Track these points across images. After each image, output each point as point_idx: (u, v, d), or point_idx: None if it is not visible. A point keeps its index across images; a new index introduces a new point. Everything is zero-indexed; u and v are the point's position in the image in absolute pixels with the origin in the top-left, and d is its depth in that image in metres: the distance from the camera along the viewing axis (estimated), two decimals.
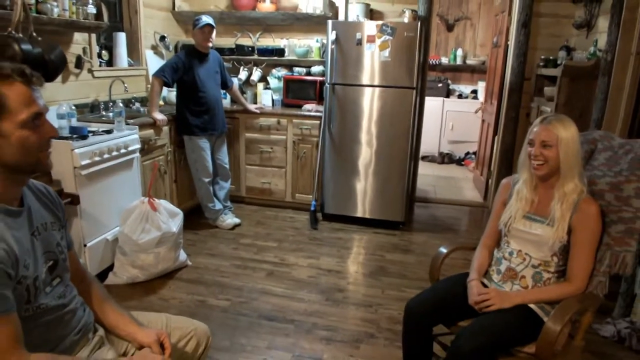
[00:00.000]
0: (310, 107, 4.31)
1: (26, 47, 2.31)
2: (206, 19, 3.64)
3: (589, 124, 3.46)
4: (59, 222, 1.36)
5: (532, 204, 1.84)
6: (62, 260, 1.31)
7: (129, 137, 3.16)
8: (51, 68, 2.52)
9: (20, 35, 2.31)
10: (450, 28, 7.16)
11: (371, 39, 3.83)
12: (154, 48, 4.48)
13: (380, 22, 3.82)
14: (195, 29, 3.66)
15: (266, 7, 4.53)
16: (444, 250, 2.10)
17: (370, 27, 3.83)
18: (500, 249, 1.94)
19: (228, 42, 4.75)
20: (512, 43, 4.48)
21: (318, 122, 4.16)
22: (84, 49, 3.56)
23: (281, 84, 4.58)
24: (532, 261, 1.80)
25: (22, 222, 1.19)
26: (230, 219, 4.01)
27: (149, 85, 4.35)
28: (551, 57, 4.14)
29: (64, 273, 1.32)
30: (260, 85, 4.68)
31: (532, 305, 1.73)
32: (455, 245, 2.15)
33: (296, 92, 4.49)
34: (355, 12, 4.25)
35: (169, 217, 3.10)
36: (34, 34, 2.45)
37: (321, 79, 4.34)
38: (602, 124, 3.34)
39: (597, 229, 1.73)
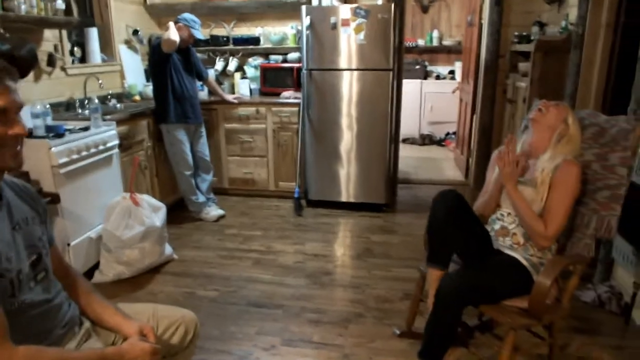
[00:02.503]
0: (288, 95, 4.30)
1: None
2: (200, 34, 3.76)
3: (563, 99, 3.51)
4: (39, 217, 1.36)
5: (521, 168, 1.95)
6: (45, 255, 1.31)
7: (107, 133, 3.13)
8: (22, 65, 2.46)
9: None
10: (425, 10, 7.17)
11: (346, 23, 3.83)
12: (127, 42, 4.41)
13: (354, 5, 3.82)
14: (182, 25, 3.61)
15: None
16: None
17: (344, 11, 3.82)
18: (494, 212, 2.06)
19: (202, 32, 4.69)
20: (485, 21, 4.52)
21: (297, 109, 4.16)
22: (55, 46, 3.49)
23: (258, 73, 4.56)
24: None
25: (2, 216, 1.19)
26: (214, 211, 4.01)
27: (124, 81, 4.31)
28: (524, 33, 4.18)
29: (47, 268, 1.32)
30: (237, 75, 4.65)
31: (522, 261, 1.85)
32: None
33: (273, 80, 4.47)
34: None
35: (152, 211, 3.09)
36: (2, 30, 2.40)
37: (298, 65, 4.33)
38: (575, 98, 3.40)
39: (573, 184, 1.82)
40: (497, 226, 2.02)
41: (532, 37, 4.08)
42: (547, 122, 1.93)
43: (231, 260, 3.26)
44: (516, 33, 4.29)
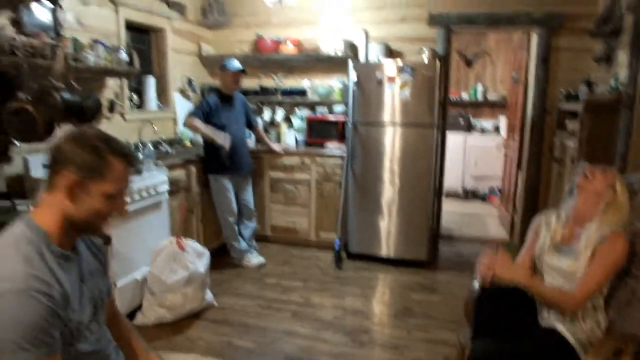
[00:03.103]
0: (333, 146, 4.38)
1: (66, 95, 2.46)
2: (237, 65, 3.79)
3: (613, 158, 3.42)
4: (102, 268, 1.43)
5: (562, 236, 1.91)
6: (101, 307, 1.37)
7: (158, 178, 3.26)
8: (88, 114, 2.67)
9: (61, 84, 2.45)
10: (469, 64, 7.24)
11: (391, 79, 3.91)
12: (182, 91, 4.65)
13: (400, 63, 3.91)
14: (224, 71, 3.80)
15: (288, 49, 4.69)
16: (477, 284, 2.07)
17: (389, 68, 3.92)
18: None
19: (252, 83, 4.91)
20: (531, 78, 4.52)
21: (341, 161, 4.22)
22: (116, 94, 3.72)
23: (304, 124, 4.68)
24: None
25: (73, 267, 1.26)
26: (255, 259, 4.05)
27: (177, 127, 4.51)
28: (572, 92, 4.15)
29: (102, 318, 1.37)
30: (284, 125, 4.79)
31: (570, 338, 1.76)
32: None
33: (319, 131, 4.57)
34: (375, 52, 4.36)
35: (196, 256, 3.16)
36: (73, 82, 2.60)
37: (343, 118, 4.43)
38: (627, 158, 3.31)
39: (615, 257, 1.75)
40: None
41: (580, 96, 4.04)
42: (593, 189, 1.87)
43: (269, 310, 3.26)
44: (562, 90, 4.25)
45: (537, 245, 1.99)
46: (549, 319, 1.87)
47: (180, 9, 4.45)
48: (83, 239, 1.37)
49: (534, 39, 4.46)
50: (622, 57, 3.58)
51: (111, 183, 1.21)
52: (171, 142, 4.34)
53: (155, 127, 3.94)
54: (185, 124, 3.86)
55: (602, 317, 1.83)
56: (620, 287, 1.87)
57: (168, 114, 4.45)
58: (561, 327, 1.81)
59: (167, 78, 4.43)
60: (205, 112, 3.76)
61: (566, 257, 1.85)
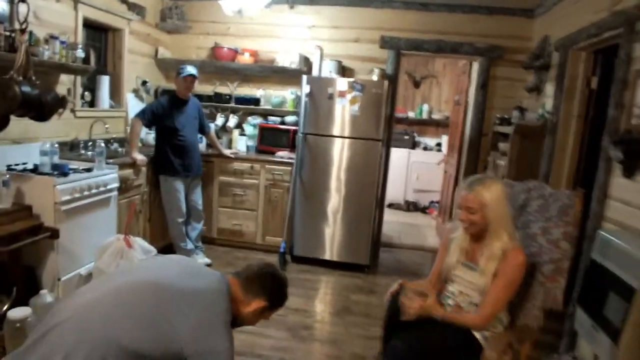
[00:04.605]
0: (282, 154, 4.54)
1: (25, 89, 2.49)
2: (190, 69, 3.88)
3: (538, 177, 3.79)
4: None
5: (467, 253, 2.07)
6: None
7: (108, 176, 3.30)
8: (47, 109, 2.70)
9: (21, 78, 2.48)
10: (417, 85, 7.64)
11: (342, 94, 4.14)
12: (135, 91, 4.67)
13: (351, 79, 4.15)
14: (178, 77, 3.89)
15: (245, 59, 4.84)
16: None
17: (341, 83, 4.15)
18: (446, 288, 2.15)
19: (207, 89, 5.00)
20: (471, 102, 4.88)
21: (290, 168, 4.39)
22: (68, 90, 3.71)
23: (256, 131, 4.82)
24: (472, 299, 2.02)
25: None
26: (200, 259, 4.11)
27: (128, 127, 4.52)
28: (506, 116, 4.52)
29: None
30: (236, 132, 4.90)
31: (477, 334, 1.93)
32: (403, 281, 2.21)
33: (270, 139, 4.73)
34: (328, 68, 4.58)
35: (143, 254, 3.20)
36: (33, 77, 2.62)
37: (294, 128, 4.61)
38: (549, 178, 3.68)
39: (515, 276, 1.91)
40: (450, 302, 2.09)
41: (512, 121, 4.41)
42: (466, 208, 1.94)
43: None
44: (498, 115, 4.63)
45: (447, 259, 2.13)
46: None
47: (140, 11, 4.50)
48: None
49: (475, 67, 4.83)
50: (549, 89, 3.97)
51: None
52: (122, 141, 4.35)
53: (107, 126, 3.96)
54: (130, 123, 3.93)
55: (503, 314, 2.01)
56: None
57: (120, 113, 4.45)
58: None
59: (121, 78, 4.44)
60: (155, 114, 3.84)
61: (473, 272, 2.00)
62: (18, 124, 2.98)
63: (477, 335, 1.94)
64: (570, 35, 3.50)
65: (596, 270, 2.33)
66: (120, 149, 4.11)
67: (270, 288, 1.74)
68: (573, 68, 3.56)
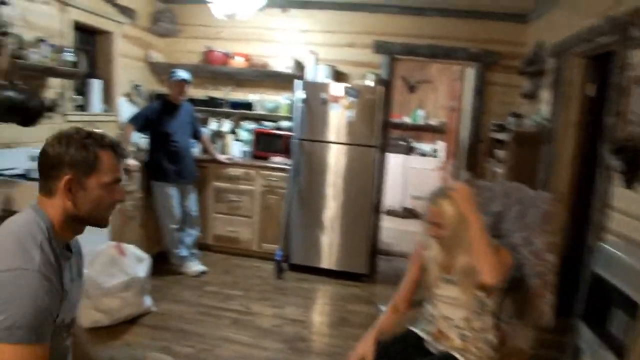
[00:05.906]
0: (278, 160, 4.48)
1: (9, 93, 2.42)
2: (182, 74, 3.82)
3: (536, 186, 3.74)
4: (82, 273, 1.46)
5: (445, 267, 1.91)
6: (78, 309, 1.41)
7: None
8: (31, 114, 2.63)
9: (6, 82, 2.41)
10: (412, 89, 7.60)
11: (336, 99, 4.09)
12: (128, 96, 4.60)
13: (345, 85, 4.10)
14: (170, 81, 3.83)
15: (238, 63, 4.78)
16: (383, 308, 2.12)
17: (336, 88, 4.10)
18: (427, 312, 2.01)
19: (200, 93, 4.93)
20: (466, 107, 4.85)
21: (286, 174, 4.33)
22: (58, 94, 3.62)
23: (250, 137, 4.76)
24: (455, 322, 1.88)
25: (68, 268, 1.29)
26: (195, 266, 4.04)
27: (120, 131, 4.44)
28: (502, 123, 4.49)
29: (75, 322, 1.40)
30: (230, 137, 4.83)
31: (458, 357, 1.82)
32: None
33: (266, 144, 4.66)
34: (323, 73, 4.53)
35: (137, 262, 3.14)
36: (19, 82, 2.55)
37: (290, 133, 4.55)
38: (548, 185, 3.64)
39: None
40: (432, 328, 1.96)
41: (507, 127, 4.37)
42: (439, 233, 1.85)
43: (209, 317, 3.28)
44: (494, 122, 4.60)
45: (426, 278, 1.99)
46: (442, 347, 1.90)
47: (131, 15, 4.43)
48: (75, 241, 1.39)
49: (470, 72, 4.80)
50: (545, 95, 3.95)
51: (106, 173, 1.28)
52: None
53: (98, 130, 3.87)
54: (124, 128, 3.87)
55: (492, 336, 1.87)
56: (506, 303, 1.99)
57: (111, 117, 4.37)
58: (454, 352, 1.83)
59: (113, 82, 4.36)
60: (147, 118, 3.79)
61: (454, 286, 1.87)
62: (7, 129, 2.92)
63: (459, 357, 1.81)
64: (564, 40, 3.48)
65: (599, 284, 2.27)
66: None
67: (59, 155, 1.24)
68: (569, 74, 3.53)
